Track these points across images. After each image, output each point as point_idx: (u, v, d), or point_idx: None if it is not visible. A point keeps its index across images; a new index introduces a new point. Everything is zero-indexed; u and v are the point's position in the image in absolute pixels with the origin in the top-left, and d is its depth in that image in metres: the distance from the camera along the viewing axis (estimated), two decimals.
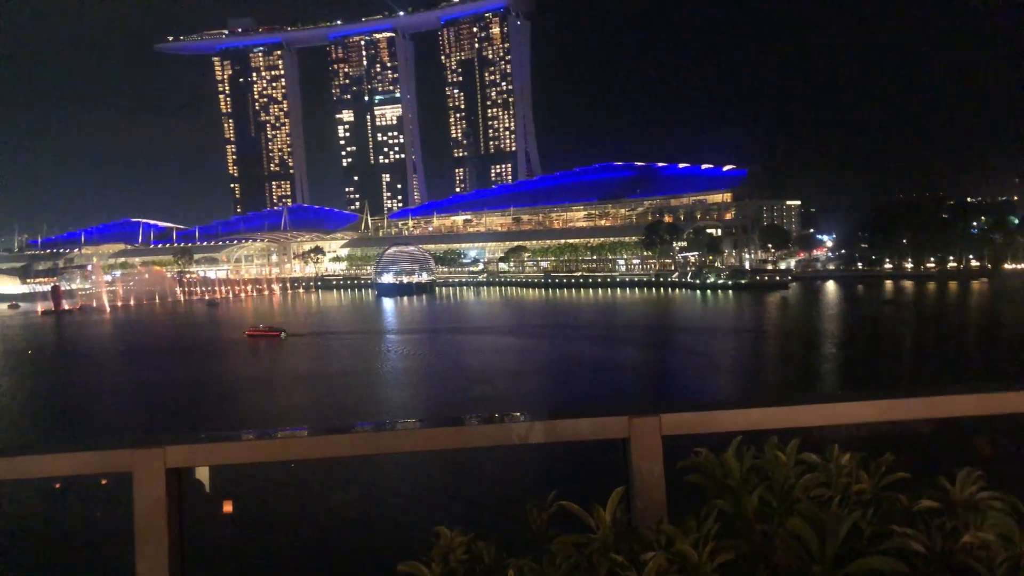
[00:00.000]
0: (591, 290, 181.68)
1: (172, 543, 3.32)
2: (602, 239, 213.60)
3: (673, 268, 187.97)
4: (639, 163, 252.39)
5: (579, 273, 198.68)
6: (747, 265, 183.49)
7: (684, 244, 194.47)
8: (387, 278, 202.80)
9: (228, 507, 4.18)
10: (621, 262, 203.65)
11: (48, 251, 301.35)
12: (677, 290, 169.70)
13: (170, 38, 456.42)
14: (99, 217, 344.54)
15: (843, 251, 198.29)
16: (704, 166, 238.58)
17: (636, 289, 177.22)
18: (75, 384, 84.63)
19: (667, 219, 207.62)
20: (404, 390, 73.51)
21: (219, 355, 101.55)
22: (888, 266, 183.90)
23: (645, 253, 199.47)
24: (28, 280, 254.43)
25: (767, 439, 2.92)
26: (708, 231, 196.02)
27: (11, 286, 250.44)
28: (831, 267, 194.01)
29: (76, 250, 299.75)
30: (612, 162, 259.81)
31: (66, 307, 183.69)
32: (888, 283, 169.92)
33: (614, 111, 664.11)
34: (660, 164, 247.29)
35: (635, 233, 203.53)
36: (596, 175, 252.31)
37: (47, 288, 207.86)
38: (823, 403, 3.44)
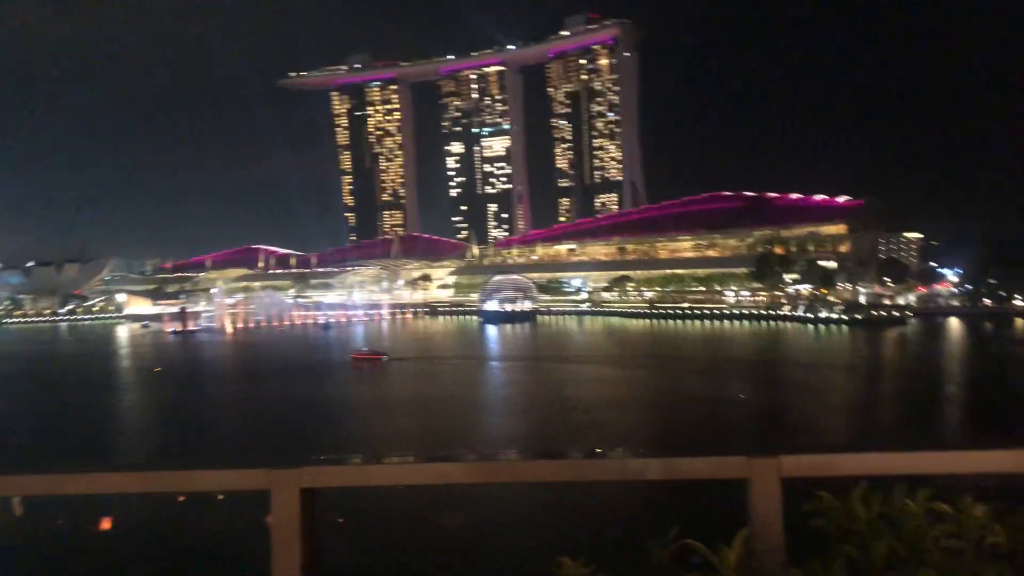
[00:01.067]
0: (698, 322, 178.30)
1: (305, 561, 3.48)
2: (710, 270, 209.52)
3: (784, 301, 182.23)
4: (749, 193, 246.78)
5: (685, 304, 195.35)
6: (863, 300, 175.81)
7: (796, 276, 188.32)
8: (491, 306, 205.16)
9: (341, 521, 4.54)
10: (729, 294, 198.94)
11: (177, 275, 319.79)
12: (788, 324, 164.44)
13: (292, 74, 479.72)
14: (225, 244, 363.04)
15: (968, 286, 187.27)
16: (817, 196, 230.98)
17: (745, 322, 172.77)
18: (199, 400, 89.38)
19: (778, 250, 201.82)
20: (501, 417, 73.93)
21: (324, 377, 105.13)
22: (1021, 303, 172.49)
23: (755, 285, 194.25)
24: (158, 302, 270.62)
25: (894, 485, 2.82)
26: (821, 263, 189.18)
27: (143, 307, 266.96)
28: (955, 303, 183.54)
29: (202, 274, 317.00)
30: (720, 192, 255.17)
31: (192, 328, 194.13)
32: (1020, 321, 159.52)
33: (723, 141, 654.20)
34: (771, 194, 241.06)
35: (744, 265, 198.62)
36: (704, 205, 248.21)
37: (175, 309, 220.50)
38: (952, 451, 3.30)
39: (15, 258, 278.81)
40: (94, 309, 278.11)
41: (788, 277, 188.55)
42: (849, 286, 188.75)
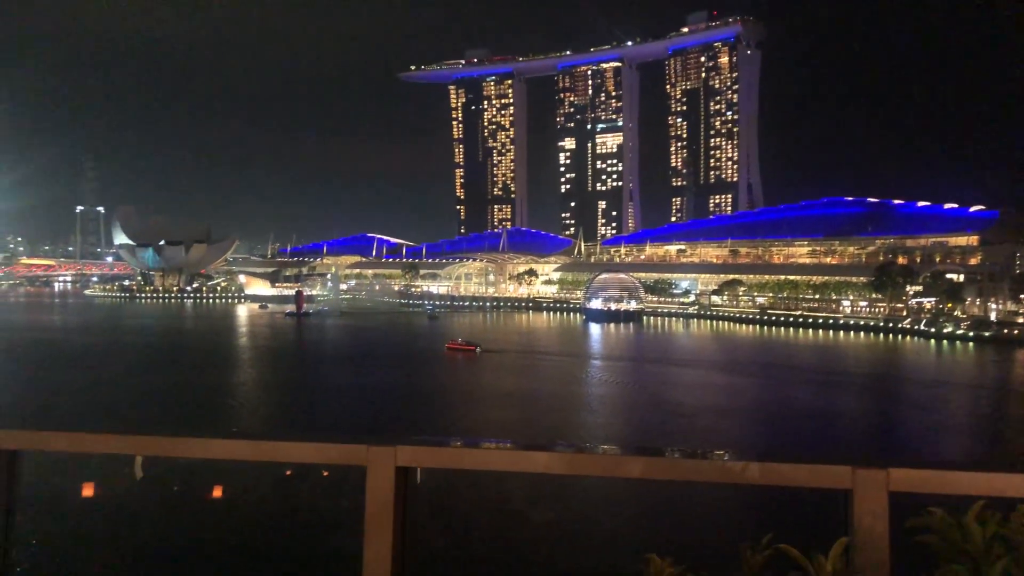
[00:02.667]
0: (811, 330, 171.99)
1: (397, 537, 3.59)
2: (826, 277, 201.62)
3: (905, 314, 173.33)
4: (872, 199, 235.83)
5: (798, 312, 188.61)
6: (993, 316, 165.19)
7: (919, 289, 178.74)
8: (595, 304, 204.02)
9: (431, 508, 4.63)
10: (846, 303, 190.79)
11: (295, 259, 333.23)
12: (908, 338, 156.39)
13: (412, 67, 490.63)
14: (340, 230, 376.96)
15: None
16: (947, 205, 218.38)
17: (861, 333, 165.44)
18: (309, 379, 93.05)
19: (901, 260, 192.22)
20: (584, 414, 73.37)
21: (418, 364, 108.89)
22: None
23: (874, 296, 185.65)
24: (276, 284, 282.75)
25: (1014, 507, 2.72)
26: (948, 276, 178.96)
27: (263, 288, 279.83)
28: None
29: (318, 259, 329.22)
30: (842, 197, 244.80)
31: (308, 310, 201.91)
32: None
33: (845, 144, 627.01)
34: (896, 201, 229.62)
35: (864, 274, 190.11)
36: (823, 210, 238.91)
37: (291, 292, 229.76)
38: None
39: (148, 236, 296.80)
40: (217, 288, 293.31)
41: (911, 289, 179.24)
42: (978, 301, 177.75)
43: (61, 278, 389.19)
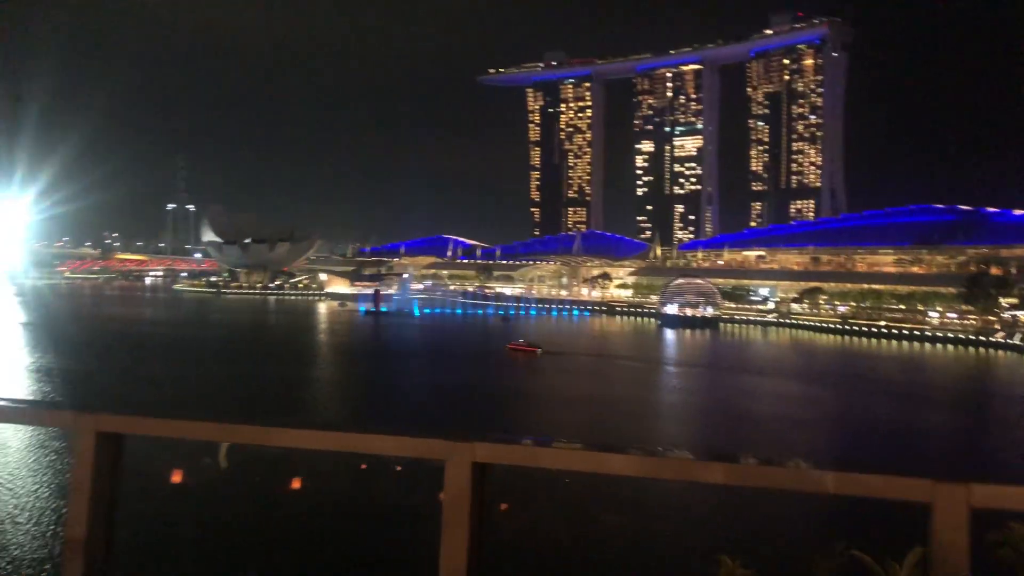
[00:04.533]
0: (895, 342, 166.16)
1: (473, 531, 3.65)
2: (913, 287, 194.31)
3: (998, 327, 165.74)
4: (963, 207, 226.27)
5: (882, 322, 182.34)
6: None
7: (1014, 301, 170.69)
8: (671, 309, 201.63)
9: (503, 507, 4.88)
10: (934, 315, 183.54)
11: (374, 258, 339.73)
12: (1000, 352, 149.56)
13: (491, 71, 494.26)
14: (417, 231, 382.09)
15: None
16: None
17: (949, 346, 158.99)
18: (384, 376, 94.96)
19: (994, 271, 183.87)
20: (637, 419, 72.51)
21: (480, 363, 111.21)
22: None
23: (964, 307, 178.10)
24: (355, 283, 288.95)
25: None
26: None
27: (342, 287, 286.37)
28: None
29: (396, 259, 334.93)
30: (931, 204, 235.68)
31: (383, 309, 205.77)
32: None
33: (935, 149, 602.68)
34: (989, 209, 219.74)
35: (953, 284, 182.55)
36: (910, 217, 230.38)
37: (369, 291, 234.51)
38: None
39: (235, 234, 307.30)
40: (299, 285, 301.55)
41: (1005, 301, 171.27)
42: None
43: (152, 273, 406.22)
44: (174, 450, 5.48)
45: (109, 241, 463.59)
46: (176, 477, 6.35)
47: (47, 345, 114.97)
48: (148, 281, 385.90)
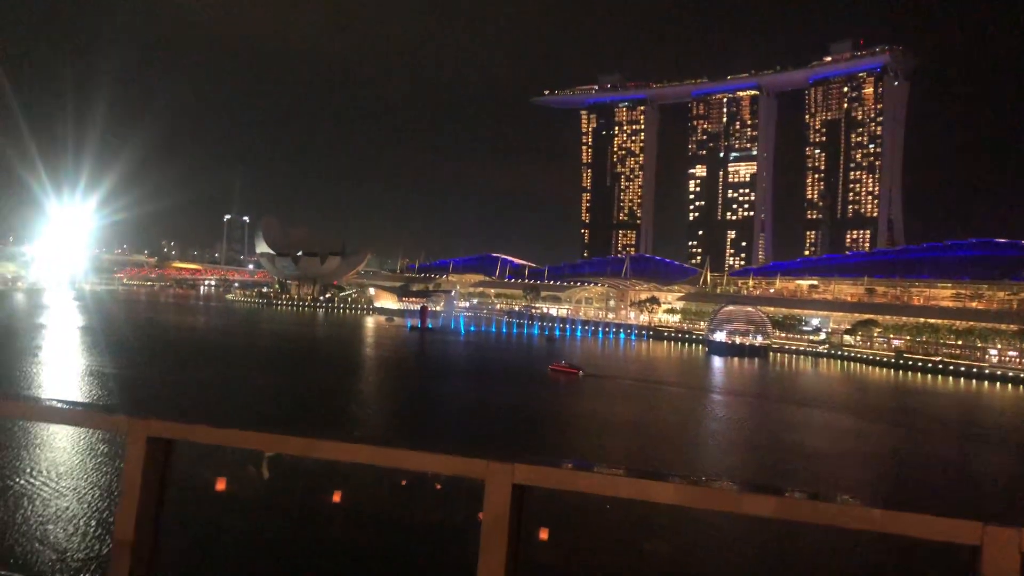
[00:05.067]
0: (951, 378, 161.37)
1: (511, 552, 3.63)
2: (972, 323, 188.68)
3: None
4: None
5: (938, 358, 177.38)
6: None
7: None
8: (719, 336, 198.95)
9: (544, 534, 4.87)
10: (993, 352, 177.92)
11: (422, 275, 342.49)
12: None
13: (546, 92, 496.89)
14: (466, 249, 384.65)
15: None
16: None
17: (1008, 385, 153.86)
18: (424, 391, 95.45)
19: None
20: (672, 447, 71.34)
21: (521, 383, 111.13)
22: None
23: None
24: (403, 299, 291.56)
25: None
26: None
27: (390, 302, 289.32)
28: None
29: (444, 276, 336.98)
30: (992, 238, 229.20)
31: (429, 325, 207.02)
32: None
33: (997, 182, 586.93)
34: None
35: (1015, 321, 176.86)
36: (970, 251, 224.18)
37: (417, 307, 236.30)
38: None
39: (287, 247, 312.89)
40: (348, 299, 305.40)
41: None
42: None
43: (206, 282, 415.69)
44: (219, 457, 5.58)
45: (166, 250, 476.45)
46: (221, 484, 6.45)
47: (102, 349, 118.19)
48: (202, 290, 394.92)
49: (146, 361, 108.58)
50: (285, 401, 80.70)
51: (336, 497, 7.29)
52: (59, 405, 5.28)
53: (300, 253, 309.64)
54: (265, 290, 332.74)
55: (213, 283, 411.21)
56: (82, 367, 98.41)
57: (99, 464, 48.39)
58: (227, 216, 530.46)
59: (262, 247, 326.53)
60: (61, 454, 50.45)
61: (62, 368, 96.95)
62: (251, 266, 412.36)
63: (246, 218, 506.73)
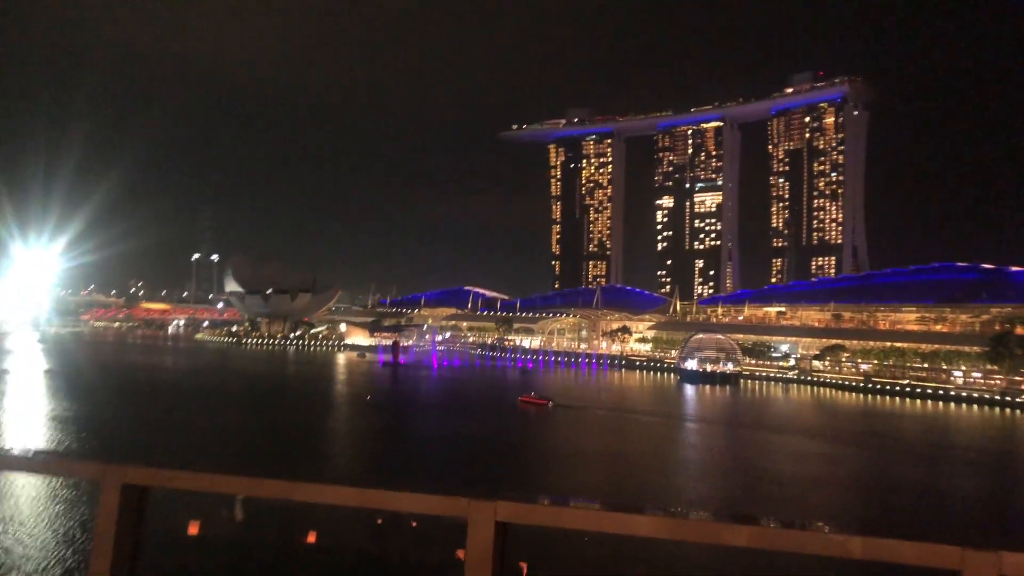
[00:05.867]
0: (918, 401, 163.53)
1: None
2: (937, 346, 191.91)
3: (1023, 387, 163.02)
4: (987, 265, 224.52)
5: (905, 381, 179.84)
6: None
7: None
8: (690, 364, 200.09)
9: (524, 568, 4.94)
10: (958, 374, 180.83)
11: (394, 310, 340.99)
12: None
13: (514, 127, 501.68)
14: (438, 283, 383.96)
15: None
16: None
17: (974, 406, 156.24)
18: (399, 431, 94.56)
19: (1019, 330, 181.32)
20: (640, 475, 71.34)
21: (491, 415, 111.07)
22: None
23: (988, 367, 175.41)
24: (375, 334, 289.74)
25: None
26: None
27: (362, 338, 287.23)
28: None
29: (416, 310, 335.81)
30: (954, 262, 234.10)
31: (402, 360, 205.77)
32: None
33: (958, 208, 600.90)
34: (1014, 268, 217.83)
35: (977, 343, 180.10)
36: (933, 275, 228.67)
37: (389, 342, 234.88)
38: None
39: (257, 284, 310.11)
40: (319, 336, 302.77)
41: None
42: None
43: (175, 322, 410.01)
44: (192, 501, 5.60)
45: (134, 290, 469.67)
46: (193, 529, 6.43)
47: (68, 393, 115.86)
48: (170, 330, 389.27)
49: (113, 404, 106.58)
50: (257, 441, 79.58)
51: (311, 537, 7.29)
52: (30, 455, 5.26)
53: (270, 291, 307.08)
54: (235, 329, 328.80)
55: (182, 323, 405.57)
56: (47, 412, 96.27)
57: (62, 511, 47.25)
58: (196, 255, 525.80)
59: (231, 285, 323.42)
60: (22, 504, 49.20)
61: (26, 414, 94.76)
62: (220, 305, 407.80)
63: (215, 257, 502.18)
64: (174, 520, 6.41)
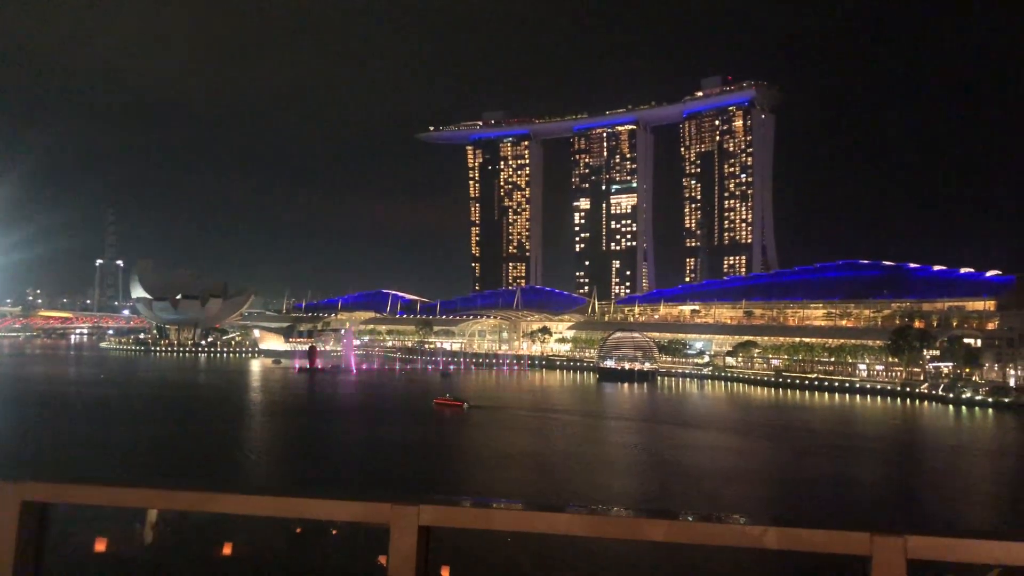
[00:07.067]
0: (826, 394, 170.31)
1: None
2: (842, 340, 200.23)
3: (922, 379, 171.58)
4: (887, 262, 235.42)
5: (813, 375, 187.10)
6: (1012, 382, 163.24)
7: (936, 353, 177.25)
8: (609, 362, 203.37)
9: (446, 573, 4.76)
10: (862, 367, 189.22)
11: (310, 314, 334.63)
12: (925, 403, 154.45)
13: (431, 128, 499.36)
14: (356, 287, 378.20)
15: None
16: (963, 269, 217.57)
17: (877, 397, 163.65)
18: (316, 436, 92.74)
19: (918, 324, 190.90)
20: (544, 473, 72.20)
21: (406, 419, 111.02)
22: None
23: (890, 360, 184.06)
24: (291, 339, 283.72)
25: None
26: (966, 341, 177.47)
27: (277, 343, 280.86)
28: None
29: (333, 315, 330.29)
30: (857, 260, 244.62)
31: (319, 366, 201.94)
32: None
33: (860, 207, 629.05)
34: (912, 265, 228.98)
35: (880, 337, 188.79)
36: (838, 272, 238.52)
37: (305, 348, 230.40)
38: None
39: (165, 290, 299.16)
40: (232, 343, 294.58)
41: (928, 353, 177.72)
42: (996, 367, 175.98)
43: (78, 330, 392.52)
44: (97, 517, 5.25)
45: (31, 298, 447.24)
46: (100, 545, 6.06)
47: None
48: (73, 339, 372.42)
49: (12, 417, 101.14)
50: (167, 453, 76.73)
51: (226, 549, 6.96)
52: None
53: (179, 296, 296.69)
54: (143, 336, 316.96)
55: (86, 331, 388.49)
56: None
57: None
58: (99, 260, 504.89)
59: (138, 291, 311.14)
60: None
61: None
62: (127, 312, 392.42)
63: (120, 262, 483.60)
64: (78, 537, 6.01)
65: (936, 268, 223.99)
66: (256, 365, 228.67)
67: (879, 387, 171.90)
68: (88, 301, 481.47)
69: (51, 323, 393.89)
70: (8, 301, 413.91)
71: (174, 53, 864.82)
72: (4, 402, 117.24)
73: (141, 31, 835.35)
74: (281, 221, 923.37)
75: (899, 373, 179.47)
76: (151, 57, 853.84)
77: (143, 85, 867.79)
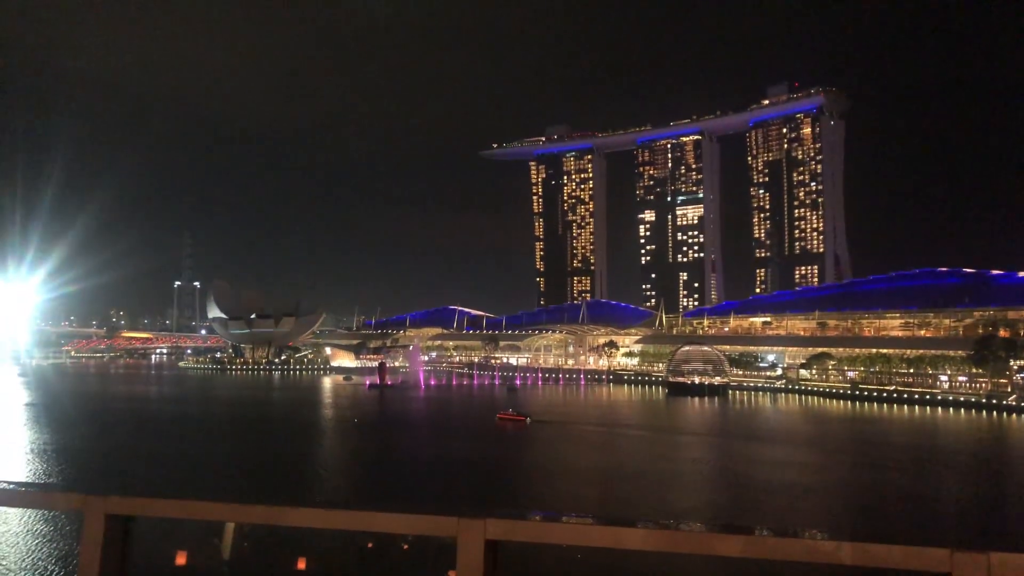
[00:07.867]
0: (905, 407, 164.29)
1: None
2: (921, 351, 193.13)
3: (1010, 390, 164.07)
4: (968, 269, 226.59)
5: (892, 387, 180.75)
6: None
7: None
8: (678, 376, 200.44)
9: None
10: (944, 378, 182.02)
11: (379, 331, 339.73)
12: (1013, 415, 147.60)
13: (495, 145, 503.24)
14: (423, 303, 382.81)
15: None
16: None
17: (961, 410, 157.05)
18: (389, 452, 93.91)
19: (1003, 333, 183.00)
20: (604, 489, 71.02)
21: (470, 434, 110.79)
22: None
23: (974, 370, 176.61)
24: (361, 356, 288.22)
25: None
26: None
27: (347, 360, 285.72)
28: None
29: (401, 331, 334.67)
30: (935, 267, 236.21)
31: (388, 382, 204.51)
32: None
33: (937, 213, 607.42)
34: (994, 272, 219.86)
35: (962, 347, 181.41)
36: (915, 281, 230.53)
37: (375, 364, 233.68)
38: None
39: (240, 310, 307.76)
40: (304, 360, 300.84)
41: (1015, 364, 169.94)
42: None
43: (158, 350, 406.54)
44: (178, 531, 5.42)
45: (115, 319, 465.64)
46: (181, 559, 6.25)
47: (49, 424, 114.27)
48: (153, 359, 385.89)
49: (95, 435, 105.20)
50: (243, 468, 78.70)
51: (300, 564, 7.12)
52: (10, 487, 5.08)
53: (253, 316, 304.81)
54: (219, 355, 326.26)
55: (165, 351, 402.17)
56: (30, 444, 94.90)
57: (43, 544, 46.35)
58: (177, 282, 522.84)
59: (214, 312, 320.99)
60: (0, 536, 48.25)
61: (6, 447, 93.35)
62: (204, 332, 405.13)
63: (197, 283, 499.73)
64: (160, 551, 6.22)
65: (1021, 274, 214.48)
66: (327, 382, 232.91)
67: (962, 399, 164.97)
68: (167, 321, 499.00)
69: (133, 343, 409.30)
70: (94, 323, 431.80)
71: (245, 79, 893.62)
72: (91, 421, 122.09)
73: (217, 56, 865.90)
74: (351, 240, 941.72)
75: (984, 384, 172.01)
76: (223, 81, 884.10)
77: (214, 109, 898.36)
